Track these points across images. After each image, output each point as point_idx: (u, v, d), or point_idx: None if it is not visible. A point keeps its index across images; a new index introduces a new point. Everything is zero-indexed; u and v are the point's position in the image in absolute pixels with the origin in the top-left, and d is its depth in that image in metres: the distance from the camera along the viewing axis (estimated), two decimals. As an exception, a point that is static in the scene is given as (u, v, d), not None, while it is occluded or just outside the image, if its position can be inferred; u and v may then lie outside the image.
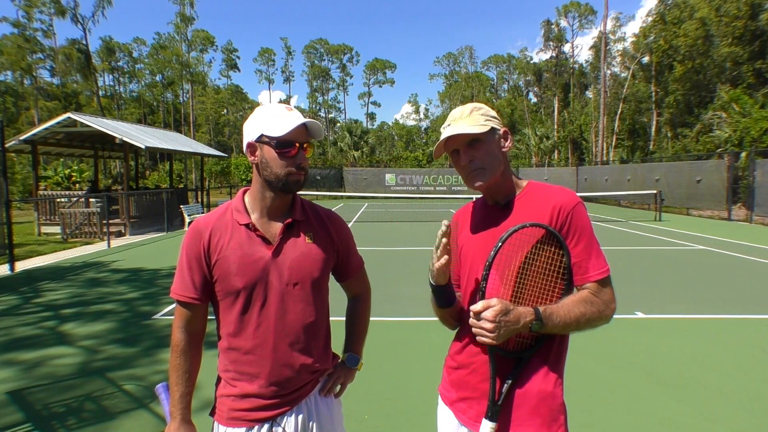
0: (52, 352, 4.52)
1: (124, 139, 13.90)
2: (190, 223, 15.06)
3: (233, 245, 1.38)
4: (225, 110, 67.20)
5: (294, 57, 79.44)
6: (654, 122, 38.64)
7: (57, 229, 14.30)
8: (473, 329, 1.22)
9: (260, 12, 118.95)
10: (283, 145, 1.34)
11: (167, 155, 24.99)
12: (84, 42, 46.56)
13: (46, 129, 14.36)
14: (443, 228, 1.24)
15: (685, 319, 5.46)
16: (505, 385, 1.28)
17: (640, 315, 5.58)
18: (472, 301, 1.31)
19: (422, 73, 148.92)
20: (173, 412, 1.40)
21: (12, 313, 5.91)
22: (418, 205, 26.64)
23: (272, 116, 1.35)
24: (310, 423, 1.45)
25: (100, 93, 54.64)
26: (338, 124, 71.01)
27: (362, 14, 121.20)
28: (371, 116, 77.73)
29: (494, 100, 62.06)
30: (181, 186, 35.84)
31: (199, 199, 21.90)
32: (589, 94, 51.98)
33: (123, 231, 14.19)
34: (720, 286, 7.09)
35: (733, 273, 8.03)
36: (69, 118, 14.09)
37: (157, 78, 63.76)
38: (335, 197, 31.44)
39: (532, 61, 62.73)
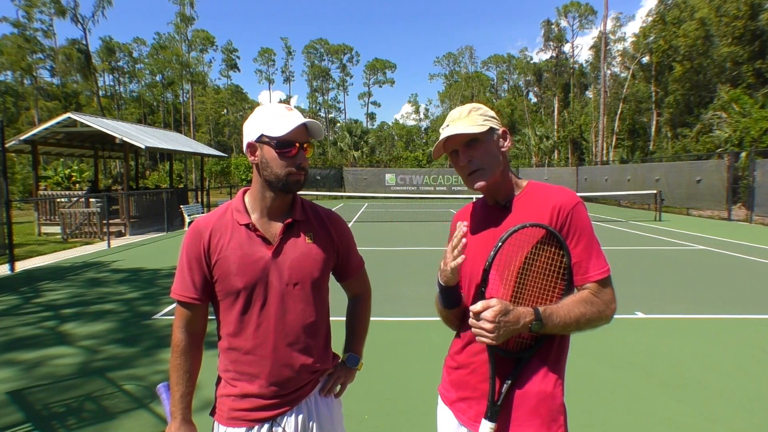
0: (52, 352, 4.52)
1: (124, 139, 13.90)
2: (190, 223, 15.06)
3: (233, 245, 1.38)
4: (225, 110, 67.20)
5: (294, 57, 79.63)
6: (654, 122, 38.66)
7: (57, 229, 14.30)
8: (473, 329, 1.22)
9: (260, 12, 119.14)
10: (283, 145, 1.34)
11: (167, 155, 25.00)
12: (84, 42, 46.63)
13: (46, 129, 14.36)
14: (464, 229, 1.24)
15: (685, 319, 5.46)
16: (505, 385, 1.28)
17: (640, 315, 5.58)
18: (472, 302, 1.31)
19: (422, 73, 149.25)
20: (174, 412, 1.41)
21: (12, 313, 5.91)
22: (418, 205, 26.64)
23: (272, 116, 1.35)
24: (310, 423, 1.45)
25: (100, 93, 54.68)
26: (338, 124, 71.00)
27: (362, 14, 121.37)
28: (371, 116, 77.79)
29: (494, 100, 62.05)
30: (181, 186, 35.81)
31: (199, 199, 21.90)
32: (589, 94, 51.99)
33: (123, 231, 14.19)
34: (720, 286, 7.09)
35: (733, 273, 8.03)
36: (69, 118, 14.10)
37: (157, 78, 63.78)
38: (335, 197, 31.45)
39: (532, 61, 62.77)
